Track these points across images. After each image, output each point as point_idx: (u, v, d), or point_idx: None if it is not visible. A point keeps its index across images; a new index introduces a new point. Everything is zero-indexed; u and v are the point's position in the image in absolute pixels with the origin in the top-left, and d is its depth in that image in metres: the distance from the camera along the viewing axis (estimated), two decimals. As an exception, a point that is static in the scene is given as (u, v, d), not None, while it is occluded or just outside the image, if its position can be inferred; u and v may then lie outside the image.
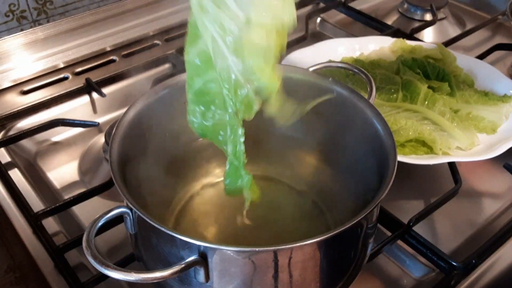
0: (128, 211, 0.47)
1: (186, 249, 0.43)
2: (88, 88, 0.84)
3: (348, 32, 1.04)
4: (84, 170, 0.75)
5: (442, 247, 0.60)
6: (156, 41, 0.97)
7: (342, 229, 0.43)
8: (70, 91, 0.83)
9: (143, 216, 0.43)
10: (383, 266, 0.62)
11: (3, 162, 0.72)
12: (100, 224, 0.45)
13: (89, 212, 0.67)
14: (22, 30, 0.96)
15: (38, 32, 0.93)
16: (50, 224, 0.64)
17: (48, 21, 1.00)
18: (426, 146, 0.71)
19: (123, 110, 0.55)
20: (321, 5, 1.09)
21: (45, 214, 0.63)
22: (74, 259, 0.60)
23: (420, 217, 0.63)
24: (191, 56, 0.48)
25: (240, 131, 0.48)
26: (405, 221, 0.62)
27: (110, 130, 0.75)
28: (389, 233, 0.62)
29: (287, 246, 0.42)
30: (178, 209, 0.62)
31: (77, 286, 0.56)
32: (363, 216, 0.44)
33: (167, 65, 0.91)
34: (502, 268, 0.59)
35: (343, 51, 0.89)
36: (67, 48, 0.92)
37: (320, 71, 0.64)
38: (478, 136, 0.73)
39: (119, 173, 0.48)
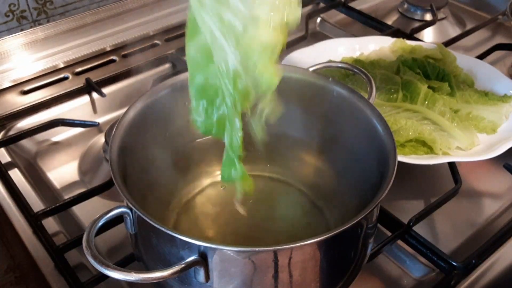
0: (128, 211, 0.47)
1: (186, 249, 0.43)
2: (88, 88, 0.84)
3: (348, 32, 1.04)
4: (84, 170, 0.75)
5: (442, 247, 0.60)
6: (156, 41, 0.97)
7: (342, 229, 0.43)
8: (70, 91, 0.83)
9: (143, 216, 0.43)
10: (383, 266, 0.62)
11: (3, 162, 0.72)
12: (100, 224, 0.44)
13: (89, 212, 0.67)
14: (22, 30, 0.96)
15: (38, 32, 0.93)
16: (50, 224, 0.64)
17: (48, 21, 1.00)
18: (426, 146, 0.71)
19: (123, 110, 0.55)
20: (321, 5, 1.09)
21: (45, 214, 0.63)
22: (74, 259, 0.60)
23: (420, 217, 0.63)
24: (191, 51, 0.47)
25: (238, 123, 0.48)
26: (405, 221, 0.62)
27: (110, 130, 0.75)
28: (389, 233, 0.62)
29: (287, 246, 0.42)
30: (178, 209, 0.62)
31: (77, 286, 0.56)
32: (363, 216, 0.44)
33: (167, 65, 0.91)
34: (502, 268, 0.59)
35: (343, 51, 0.89)
36: (67, 48, 0.92)
37: (320, 71, 0.64)
38: (478, 136, 0.73)
39: (119, 173, 0.48)
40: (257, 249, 0.42)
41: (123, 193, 0.46)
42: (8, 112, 0.79)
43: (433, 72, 0.82)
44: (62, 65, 0.90)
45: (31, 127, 0.76)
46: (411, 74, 0.80)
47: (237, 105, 0.47)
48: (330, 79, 0.59)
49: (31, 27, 0.98)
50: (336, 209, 0.61)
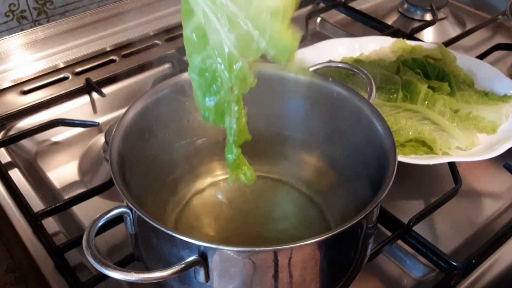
0: (128, 211, 0.47)
1: (186, 249, 0.43)
2: (88, 88, 0.84)
3: (348, 32, 1.04)
4: (84, 170, 0.75)
5: (442, 247, 0.60)
6: (156, 41, 0.97)
7: (342, 229, 0.43)
8: (70, 91, 0.83)
9: (143, 216, 0.43)
10: (383, 266, 0.62)
11: (3, 162, 0.72)
12: (100, 224, 0.45)
13: (89, 212, 0.67)
14: (22, 30, 0.96)
15: (38, 32, 0.93)
16: (50, 224, 0.64)
17: (48, 21, 1.00)
18: (426, 146, 0.71)
19: (123, 110, 0.55)
20: (321, 5, 1.09)
21: (45, 214, 0.63)
22: (74, 259, 0.60)
23: (420, 217, 0.63)
24: (188, 32, 0.47)
25: (236, 107, 0.47)
26: (405, 221, 0.62)
27: (110, 130, 0.75)
28: (389, 233, 0.62)
29: (287, 246, 0.42)
30: (178, 209, 0.62)
31: (77, 286, 0.56)
32: (363, 216, 0.44)
33: (167, 65, 0.91)
34: (502, 268, 0.59)
35: (343, 51, 0.89)
36: (67, 48, 0.92)
37: (320, 71, 0.64)
38: (478, 136, 0.73)
39: (119, 173, 0.48)
40: (257, 249, 0.42)
41: (123, 193, 0.46)
42: (8, 112, 0.79)
43: (433, 72, 0.82)
44: (62, 65, 0.90)
45: (31, 127, 0.76)
46: (411, 74, 0.80)
47: (234, 89, 0.46)
48: (330, 79, 0.59)
49: (31, 27, 0.98)
50: (336, 209, 0.61)
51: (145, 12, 1.00)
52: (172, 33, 0.98)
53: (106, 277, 0.56)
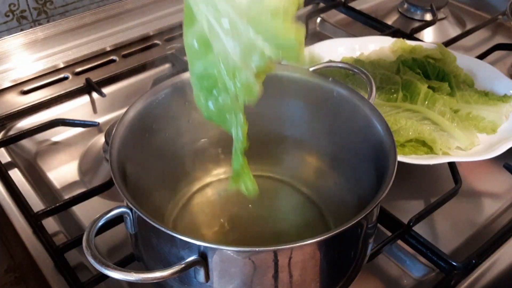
0: (128, 211, 0.47)
1: (186, 249, 0.43)
2: (88, 88, 0.84)
3: (348, 32, 1.04)
4: (84, 170, 0.75)
5: (442, 247, 0.60)
6: (156, 41, 0.97)
7: (342, 229, 0.43)
8: (70, 91, 0.83)
9: (143, 216, 0.43)
10: (383, 266, 0.62)
11: (3, 162, 0.72)
12: (100, 224, 0.44)
13: (89, 212, 0.67)
14: (22, 30, 0.96)
15: (38, 32, 0.93)
16: (50, 224, 0.64)
17: (48, 21, 1.00)
18: (426, 146, 0.71)
19: (123, 110, 0.55)
20: (321, 5, 1.09)
21: (45, 214, 0.63)
22: (74, 259, 0.60)
23: (420, 217, 0.63)
24: (189, 39, 0.47)
25: (241, 116, 0.47)
26: (405, 221, 0.62)
27: (110, 130, 0.75)
28: (389, 233, 0.62)
29: (287, 246, 0.42)
30: (178, 209, 0.62)
31: (77, 286, 0.56)
32: (363, 216, 0.44)
33: (167, 65, 0.91)
34: (502, 268, 0.59)
35: (343, 51, 0.89)
36: (67, 48, 0.92)
37: (320, 71, 0.64)
38: (478, 136, 0.73)
39: (119, 173, 0.48)
40: (257, 249, 0.42)
41: (123, 193, 0.46)
42: (8, 112, 0.79)
43: (433, 72, 0.82)
44: (62, 65, 0.90)
45: (31, 127, 0.76)
46: (411, 74, 0.80)
47: (239, 98, 0.46)
48: (330, 79, 0.59)
49: (31, 27, 0.98)
50: (336, 209, 0.61)
51: (145, 12, 1.00)
52: (172, 33, 0.98)
53: (106, 277, 0.56)
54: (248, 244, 0.42)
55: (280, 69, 0.59)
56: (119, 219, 0.48)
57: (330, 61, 0.79)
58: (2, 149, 0.75)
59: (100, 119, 0.83)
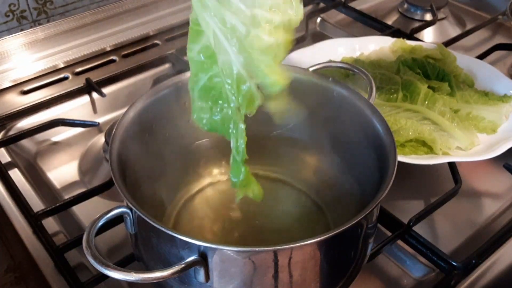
0: (128, 211, 0.47)
1: (186, 249, 0.43)
2: (88, 88, 0.84)
3: (348, 32, 1.04)
4: (84, 170, 0.75)
5: (442, 247, 0.60)
6: (156, 41, 0.97)
7: (342, 229, 0.43)
8: (70, 91, 0.83)
9: (143, 216, 0.43)
10: (383, 266, 0.62)
11: (3, 162, 0.72)
12: (100, 224, 0.45)
13: (89, 212, 0.67)
14: (22, 30, 0.96)
15: (38, 32, 0.93)
16: (50, 224, 0.64)
17: (48, 21, 1.00)
18: (426, 146, 0.71)
19: (123, 110, 0.55)
20: (321, 5, 1.09)
21: (45, 214, 0.63)
22: (74, 259, 0.60)
23: (420, 217, 0.63)
24: (194, 53, 0.47)
25: (242, 126, 0.48)
26: (405, 221, 0.62)
27: (110, 130, 0.75)
28: (389, 233, 0.62)
29: (287, 246, 0.42)
30: (178, 209, 0.62)
31: (77, 286, 0.56)
32: (363, 216, 0.44)
33: (167, 65, 0.91)
34: (502, 268, 0.59)
35: (343, 51, 0.89)
36: (67, 48, 0.92)
37: (320, 71, 0.64)
38: (478, 136, 0.73)
39: (119, 173, 0.48)
40: (257, 249, 0.42)
41: (123, 193, 0.46)
42: (8, 112, 0.79)
43: (433, 72, 0.82)
44: (62, 65, 0.90)
45: (31, 127, 0.76)
46: (411, 74, 0.80)
47: (241, 109, 0.46)
48: (330, 79, 0.59)
49: (31, 27, 0.98)
50: (336, 209, 0.61)
51: (145, 12, 1.00)
52: (172, 33, 0.98)
53: (106, 277, 0.56)
54: (248, 244, 0.42)
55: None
56: (119, 219, 0.48)
57: (330, 61, 0.79)
58: (2, 149, 0.75)
59: (100, 119, 0.83)
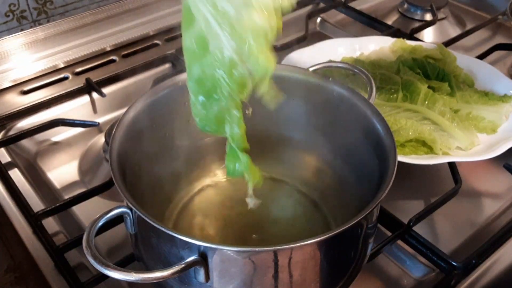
0: (128, 211, 0.47)
1: (186, 249, 0.43)
2: (88, 88, 0.84)
3: (348, 32, 1.04)
4: (84, 170, 0.75)
5: (442, 247, 0.60)
6: (156, 41, 0.97)
7: (342, 229, 0.43)
8: (70, 91, 0.83)
9: (143, 216, 0.43)
10: (383, 266, 0.62)
11: (3, 162, 0.72)
12: (100, 224, 0.45)
13: (89, 212, 0.67)
14: (22, 30, 0.96)
15: (38, 32, 0.93)
16: (50, 224, 0.64)
17: (48, 21, 1.00)
18: (426, 146, 0.71)
19: (123, 110, 0.55)
20: (321, 5, 1.09)
21: (45, 214, 0.63)
22: (74, 259, 0.60)
23: (420, 217, 0.63)
24: (187, 41, 0.47)
25: (236, 113, 0.47)
26: (405, 221, 0.62)
27: (110, 130, 0.75)
28: (389, 233, 0.62)
29: (287, 246, 0.42)
30: (178, 209, 0.62)
31: (77, 286, 0.56)
32: (363, 216, 0.44)
33: (167, 65, 0.91)
34: (502, 268, 0.59)
35: (343, 51, 0.89)
36: (67, 48, 0.92)
37: (320, 71, 0.64)
38: (478, 136, 0.73)
39: (119, 173, 0.48)
40: (257, 249, 0.42)
41: (123, 193, 0.46)
42: (8, 112, 0.79)
43: (433, 72, 0.82)
44: (62, 65, 0.90)
45: (31, 127, 0.76)
46: (411, 74, 0.80)
47: (234, 95, 0.46)
48: (330, 79, 0.59)
49: (31, 27, 0.98)
50: (336, 209, 0.61)
51: (145, 12, 1.00)
52: (172, 33, 0.98)
53: (106, 277, 0.56)
54: (248, 244, 0.42)
55: (280, 69, 0.59)
56: (119, 219, 0.48)
57: (330, 61, 0.79)
58: (2, 149, 0.75)
59: (100, 119, 0.83)
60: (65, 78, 0.89)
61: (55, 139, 0.80)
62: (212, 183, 0.65)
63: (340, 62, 0.83)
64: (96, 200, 0.67)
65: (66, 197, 0.69)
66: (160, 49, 0.95)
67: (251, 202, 0.52)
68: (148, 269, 0.49)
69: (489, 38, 1.03)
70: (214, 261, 0.43)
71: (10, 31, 0.96)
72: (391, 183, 0.46)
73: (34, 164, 0.76)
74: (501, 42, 0.96)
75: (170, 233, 0.42)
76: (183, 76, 0.58)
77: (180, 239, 0.42)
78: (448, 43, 0.94)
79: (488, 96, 0.79)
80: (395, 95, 0.77)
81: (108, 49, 0.94)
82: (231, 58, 0.44)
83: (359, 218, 0.43)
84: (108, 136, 0.74)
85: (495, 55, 0.95)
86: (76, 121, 0.79)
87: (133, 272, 0.41)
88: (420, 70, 0.82)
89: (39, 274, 0.58)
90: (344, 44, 0.90)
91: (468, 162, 0.71)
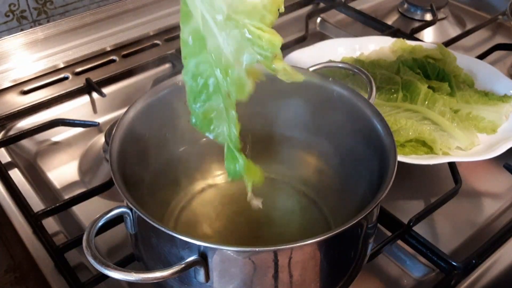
0: (128, 211, 0.47)
1: (186, 249, 0.43)
2: (88, 88, 0.84)
3: (348, 32, 1.04)
4: (84, 170, 0.75)
5: (442, 247, 0.60)
6: (156, 41, 0.97)
7: (342, 229, 0.43)
8: (70, 91, 0.83)
9: (143, 216, 0.43)
10: (383, 266, 0.62)
11: (3, 162, 0.72)
12: (100, 224, 0.45)
13: (89, 212, 0.67)
14: (22, 30, 0.96)
15: (38, 32, 0.93)
16: (50, 224, 0.64)
17: (48, 21, 1.00)
18: (426, 146, 0.71)
19: (123, 110, 0.55)
20: (321, 5, 1.09)
21: (45, 214, 0.63)
22: (74, 259, 0.60)
23: (420, 217, 0.63)
24: (185, 34, 0.47)
25: (233, 113, 0.47)
26: (405, 221, 0.62)
27: (110, 130, 0.75)
28: (389, 233, 0.62)
29: (287, 246, 0.42)
30: (178, 209, 0.62)
31: (77, 286, 0.56)
32: (363, 216, 0.44)
33: (167, 65, 0.91)
34: (502, 268, 0.59)
35: (343, 51, 0.89)
36: (67, 48, 0.92)
37: (320, 71, 0.64)
38: (478, 136, 0.73)
39: (119, 173, 0.48)
40: (257, 249, 0.42)
41: (123, 193, 0.46)
42: (8, 112, 0.79)
43: (433, 72, 0.82)
44: (62, 65, 0.90)
45: (31, 127, 0.76)
46: (411, 74, 0.80)
47: (230, 95, 0.46)
48: (330, 79, 0.59)
49: (31, 27, 0.98)
50: (336, 209, 0.61)
51: (145, 12, 1.00)
52: (172, 33, 0.98)
53: (106, 277, 0.56)
54: (248, 244, 0.42)
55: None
56: (119, 219, 0.48)
57: (330, 61, 0.79)
58: (2, 149, 0.75)
59: (100, 119, 0.83)
60: (65, 78, 0.89)
61: (55, 139, 0.80)
62: (212, 183, 0.65)
63: (340, 62, 0.83)
64: (96, 200, 0.67)
65: (66, 197, 0.69)
66: (160, 49, 0.95)
67: (254, 203, 0.52)
68: (148, 269, 0.49)
69: (489, 38, 1.03)
70: (214, 261, 0.43)
71: (10, 31, 0.96)
72: (391, 183, 0.46)
73: (34, 164, 0.76)
74: (501, 42, 0.96)
75: (170, 233, 0.42)
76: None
77: (180, 239, 0.42)
78: (448, 43, 0.94)
79: (488, 96, 0.79)
80: (395, 95, 0.77)
81: (108, 49, 0.94)
82: (227, 58, 0.44)
83: (359, 218, 0.43)
84: (108, 136, 0.74)
85: (495, 55, 0.95)
86: (76, 121, 0.79)
87: (133, 272, 0.41)
88: (420, 70, 0.82)
89: (39, 274, 0.58)
90: (344, 44, 0.90)
91: (468, 162, 0.71)
